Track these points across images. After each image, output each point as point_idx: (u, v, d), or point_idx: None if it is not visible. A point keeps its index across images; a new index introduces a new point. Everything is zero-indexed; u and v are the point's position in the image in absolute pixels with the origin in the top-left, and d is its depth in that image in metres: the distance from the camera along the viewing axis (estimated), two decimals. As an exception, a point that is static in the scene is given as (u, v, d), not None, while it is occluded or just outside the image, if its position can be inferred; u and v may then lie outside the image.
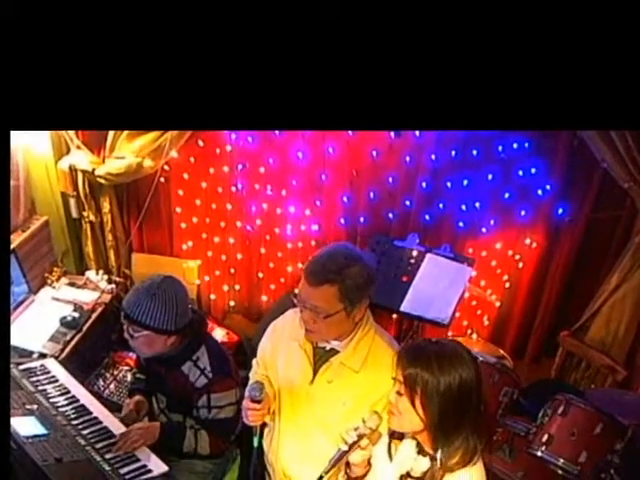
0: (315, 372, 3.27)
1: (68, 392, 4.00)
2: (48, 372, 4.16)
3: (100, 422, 3.82)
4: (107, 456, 3.56)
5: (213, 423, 3.80)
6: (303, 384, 3.29)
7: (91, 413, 3.88)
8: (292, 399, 3.36)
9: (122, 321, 3.69)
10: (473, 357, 2.74)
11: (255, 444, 3.34)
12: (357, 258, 3.06)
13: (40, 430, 3.60)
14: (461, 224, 5.40)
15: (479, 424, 2.72)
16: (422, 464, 2.77)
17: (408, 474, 2.82)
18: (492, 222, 5.37)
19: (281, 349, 3.42)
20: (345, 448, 2.88)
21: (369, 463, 2.99)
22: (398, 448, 2.91)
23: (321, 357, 3.26)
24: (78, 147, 5.31)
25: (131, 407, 3.99)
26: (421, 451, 2.79)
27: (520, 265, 5.52)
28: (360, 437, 2.88)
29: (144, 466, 3.56)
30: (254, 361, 3.67)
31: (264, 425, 3.46)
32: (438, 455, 2.68)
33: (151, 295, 3.57)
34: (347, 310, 3.05)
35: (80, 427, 3.74)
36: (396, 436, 2.90)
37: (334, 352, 3.23)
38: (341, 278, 2.98)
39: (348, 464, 2.99)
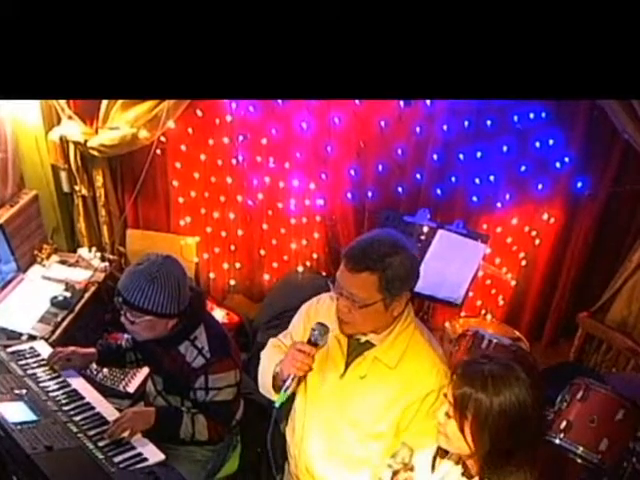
0: (347, 365, 3.19)
1: (59, 376, 3.96)
2: (38, 355, 4.12)
3: (93, 408, 3.79)
4: (100, 444, 3.51)
5: (211, 406, 3.77)
6: (334, 377, 3.21)
7: (83, 398, 3.84)
8: (321, 391, 3.28)
9: (119, 306, 3.66)
10: (533, 378, 2.57)
11: (277, 404, 3.09)
12: (401, 247, 2.97)
13: (29, 416, 3.56)
14: (475, 199, 5.37)
15: (535, 453, 2.60)
16: None
17: None
18: (507, 196, 5.35)
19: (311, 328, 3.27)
20: None
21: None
22: (442, 461, 2.83)
23: (355, 349, 3.18)
24: (70, 117, 5.27)
25: (77, 351, 4.07)
26: (466, 472, 2.71)
27: (537, 242, 5.51)
28: (395, 474, 2.85)
29: (140, 454, 3.52)
30: (282, 334, 3.53)
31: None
32: None
33: (152, 279, 3.53)
34: (385, 302, 2.97)
35: (72, 413, 3.70)
36: (442, 453, 2.83)
37: (369, 345, 3.14)
38: (382, 267, 2.90)
39: None
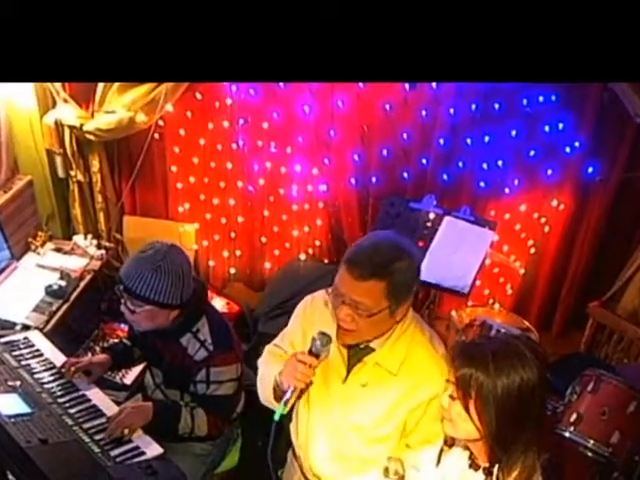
0: (349, 371, 3.14)
1: (54, 367, 3.95)
2: (32, 345, 4.12)
3: (89, 400, 3.78)
4: (96, 437, 3.52)
5: (211, 400, 3.76)
6: (336, 383, 3.17)
7: (79, 390, 3.84)
8: (324, 397, 3.24)
9: (118, 294, 3.64)
10: (537, 356, 2.57)
11: (277, 417, 3.01)
12: (406, 251, 2.91)
13: (23, 409, 3.56)
14: (482, 184, 5.36)
15: (540, 436, 2.60)
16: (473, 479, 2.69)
17: None
18: (516, 182, 5.33)
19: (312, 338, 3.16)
20: None
21: None
22: (447, 454, 2.83)
23: (355, 354, 3.13)
24: (65, 100, 5.25)
25: (93, 360, 4.03)
26: (473, 464, 2.70)
27: (546, 229, 5.49)
28: None
29: (137, 447, 3.52)
30: (279, 337, 3.46)
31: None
32: (495, 470, 2.59)
33: (156, 267, 3.52)
34: (391, 309, 2.91)
35: (67, 405, 3.70)
36: (448, 443, 2.82)
37: (369, 350, 3.09)
38: (390, 273, 2.83)
39: None
